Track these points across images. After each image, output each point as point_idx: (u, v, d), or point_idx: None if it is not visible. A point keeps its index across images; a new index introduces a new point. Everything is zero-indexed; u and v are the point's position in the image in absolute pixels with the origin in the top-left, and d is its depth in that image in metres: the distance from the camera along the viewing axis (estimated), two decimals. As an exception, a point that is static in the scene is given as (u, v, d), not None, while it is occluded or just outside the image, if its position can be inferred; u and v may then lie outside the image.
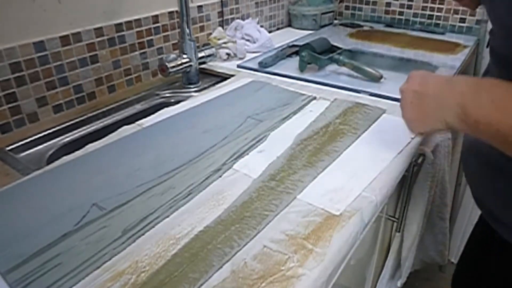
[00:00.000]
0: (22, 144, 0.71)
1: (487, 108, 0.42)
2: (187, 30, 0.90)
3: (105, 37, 0.85)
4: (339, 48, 0.99)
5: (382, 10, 1.46)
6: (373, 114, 0.73)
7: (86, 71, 0.84)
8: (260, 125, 0.70)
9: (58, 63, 0.78)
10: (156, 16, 0.95)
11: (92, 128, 0.80)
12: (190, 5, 1.00)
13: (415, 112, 0.56)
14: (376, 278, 0.86)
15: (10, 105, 0.73)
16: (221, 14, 1.15)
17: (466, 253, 0.74)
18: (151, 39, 0.96)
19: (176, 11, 0.99)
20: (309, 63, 0.95)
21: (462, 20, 1.30)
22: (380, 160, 0.59)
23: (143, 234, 0.46)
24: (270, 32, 1.29)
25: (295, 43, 1.17)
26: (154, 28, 0.96)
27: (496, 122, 0.41)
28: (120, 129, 0.70)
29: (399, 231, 0.81)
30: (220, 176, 0.56)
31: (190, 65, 0.93)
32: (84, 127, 0.79)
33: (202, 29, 1.10)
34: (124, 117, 0.85)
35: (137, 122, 0.72)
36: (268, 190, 0.53)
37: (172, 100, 0.93)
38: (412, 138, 0.65)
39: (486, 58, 1.28)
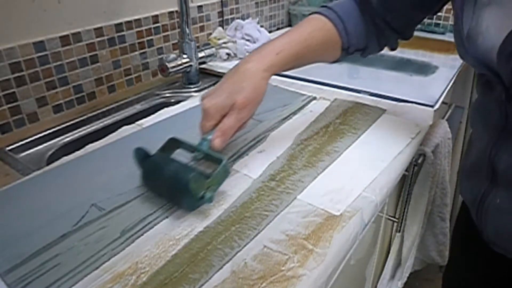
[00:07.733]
0: (22, 144, 0.71)
1: None
2: (187, 30, 0.89)
3: (105, 37, 0.85)
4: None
5: (382, 10, 1.46)
6: (373, 114, 0.73)
7: (86, 71, 0.84)
8: (260, 125, 0.70)
9: (58, 63, 0.78)
10: (156, 16, 0.95)
11: (92, 128, 0.80)
12: (190, 5, 1.00)
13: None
14: (377, 279, 0.86)
15: (10, 105, 0.73)
16: (221, 14, 1.15)
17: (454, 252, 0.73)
18: (151, 39, 0.96)
19: (176, 11, 0.99)
20: None
21: (463, 20, 1.29)
22: (380, 160, 0.59)
23: (142, 235, 0.46)
24: (270, 32, 1.29)
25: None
26: (154, 28, 0.96)
27: None
28: (120, 129, 0.70)
29: (399, 231, 0.81)
30: (220, 176, 0.56)
31: (190, 65, 0.93)
32: (84, 127, 0.79)
33: (202, 29, 1.10)
34: (124, 117, 0.85)
35: (137, 122, 0.72)
36: (268, 191, 0.52)
37: (172, 100, 0.93)
38: (412, 138, 0.65)
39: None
